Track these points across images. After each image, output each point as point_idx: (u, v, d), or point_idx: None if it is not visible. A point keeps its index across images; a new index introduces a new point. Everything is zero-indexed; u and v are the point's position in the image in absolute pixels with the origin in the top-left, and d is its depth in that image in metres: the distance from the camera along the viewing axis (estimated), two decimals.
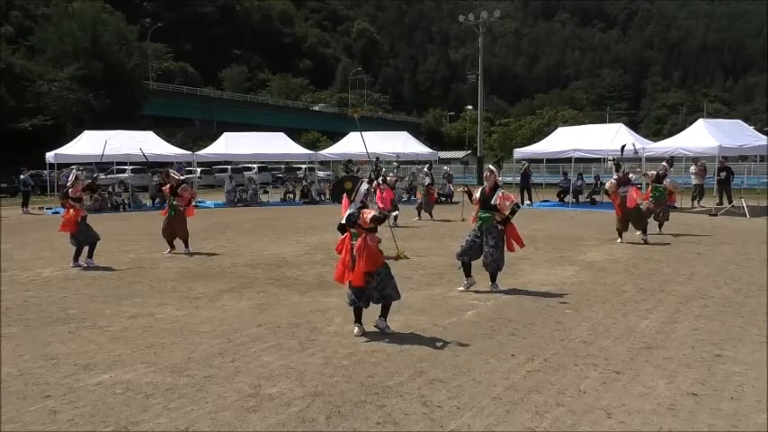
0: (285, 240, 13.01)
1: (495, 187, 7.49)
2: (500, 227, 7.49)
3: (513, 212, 7.51)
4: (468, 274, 7.72)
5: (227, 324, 6.25)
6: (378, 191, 15.94)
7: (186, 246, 11.22)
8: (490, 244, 7.48)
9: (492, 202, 7.40)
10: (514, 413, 3.98)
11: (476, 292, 7.62)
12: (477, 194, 7.65)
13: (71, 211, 9.79)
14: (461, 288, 7.70)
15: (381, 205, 14.37)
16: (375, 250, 5.66)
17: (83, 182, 10.36)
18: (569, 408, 4.05)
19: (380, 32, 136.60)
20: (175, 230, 11.16)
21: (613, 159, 13.40)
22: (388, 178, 16.58)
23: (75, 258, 9.81)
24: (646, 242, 11.64)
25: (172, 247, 11.22)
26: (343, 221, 5.72)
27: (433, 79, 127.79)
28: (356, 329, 5.77)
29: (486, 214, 7.49)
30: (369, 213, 5.67)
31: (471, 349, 5.31)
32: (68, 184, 10.29)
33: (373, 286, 5.65)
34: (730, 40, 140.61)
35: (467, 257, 7.64)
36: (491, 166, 7.80)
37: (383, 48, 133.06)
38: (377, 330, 5.79)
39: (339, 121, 75.50)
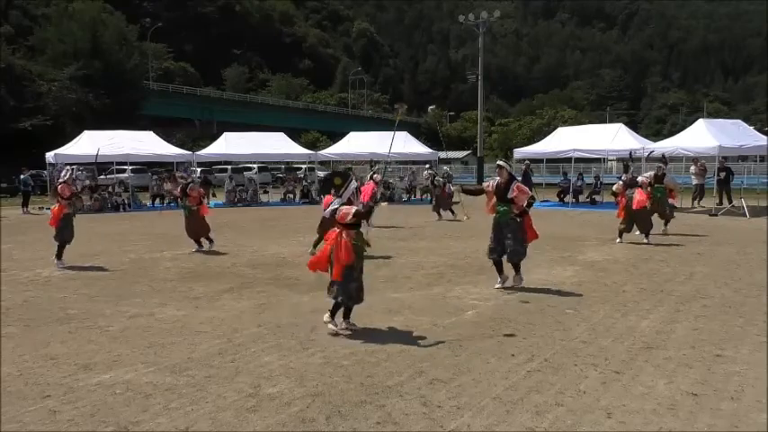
0: (285, 240, 13.01)
1: (510, 180, 7.61)
2: (518, 219, 7.59)
3: (529, 205, 7.65)
4: (500, 271, 7.79)
5: (227, 324, 6.25)
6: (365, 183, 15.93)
7: (210, 241, 11.45)
8: (508, 236, 7.59)
9: (509, 195, 7.52)
10: (514, 413, 3.98)
11: (476, 292, 7.63)
12: (490, 187, 7.68)
13: (57, 206, 9.88)
14: (497, 285, 7.73)
15: (363, 198, 14.39)
16: (350, 244, 5.69)
17: (83, 182, 10.41)
18: (569, 408, 4.06)
19: (380, 32, 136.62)
20: (192, 229, 11.40)
21: (626, 160, 13.52)
22: (376, 176, 16.61)
23: (59, 256, 9.81)
24: (648, 243, 11.64)
25: (200, 245, 11.37)
26: (326, 215, 5.81)
27: (433, 79, 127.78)
28: (330, 323, 5.82)
29: (504, 207, 7.59)
30: (351, 209, 5.72)
31: (471, 349, 5.31)
32: (60, 180, 10.35)
33: (356, 285, 5.74)
34: (730, 40, 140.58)
35: (496, 255, 7.71)
36: (501, 162, 7.90)
37: (383, 48, 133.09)
38: (376, 330, 5.78)
39: (339, 121, 75.55)
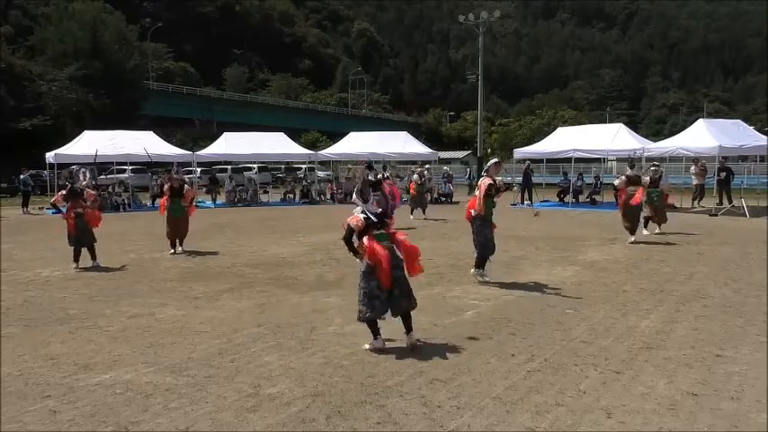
0: (285, 240, 13.01)
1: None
2: None
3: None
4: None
5: (227, 324, 6.25)
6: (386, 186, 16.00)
7: (181, 244, 11.33)
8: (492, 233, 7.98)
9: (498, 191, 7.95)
10: (514, 413, 3.98)
11: (476, 292, 7.63)
12: (484, 186, 7.82)
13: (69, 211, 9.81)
14: (488, 279, 8.02)
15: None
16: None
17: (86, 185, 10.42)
18: (569, 408, 4.06)
19: (380, 32, 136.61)
20: (180, 230, 11.27)
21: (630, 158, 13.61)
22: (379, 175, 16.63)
23: (75, 259, 9.77)
24: (635, 242, 11.66)
25: (174, 247, 11.25)
26: (375, 220, 5.35)
27: (433, 79, 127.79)
28: (377, 343, 5.28)
29: (493, 203, 7.91)
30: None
31: (471, 349, 5.31)
32: (84, 183, 10.37)
33: (402, 291, 5.30)
34: (730, 40, 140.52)
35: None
36: (499, 160, 8.31)
37: (383, 48, 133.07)
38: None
39: (339, 121, 75.59)
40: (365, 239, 5.31)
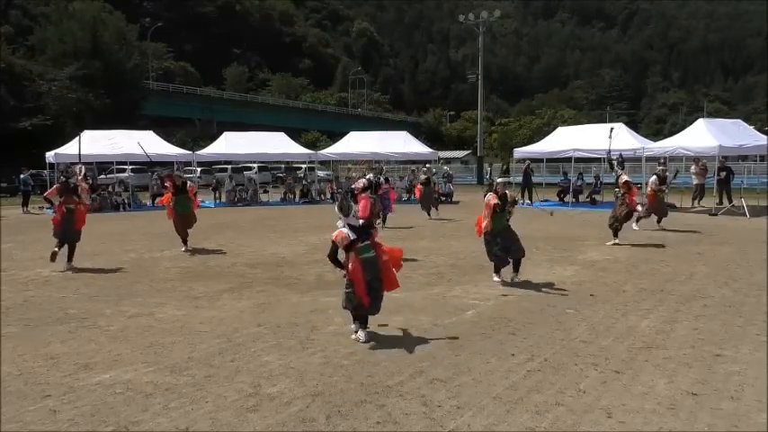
0: (285, 240, 13.00)
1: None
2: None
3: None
4: (499, 270, 8.21)
5: (227, 324, 6.25)
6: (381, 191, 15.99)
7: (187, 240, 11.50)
8: (515, 239, 8.08)
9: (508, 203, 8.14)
10: (514, 413, 3.98)
11: (476, 292, 7.63)
12: (496, 200, 7.89)
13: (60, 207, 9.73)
14: (499, 279, 8.10)
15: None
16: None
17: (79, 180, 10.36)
18: (569, 407, 4.06)
19: (380, 32, 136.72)
20: (190, 224, 11.44)
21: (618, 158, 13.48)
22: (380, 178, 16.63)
23: (69, 259, 9.65)
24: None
25: (186, 243, 11.41)
26: (352, 237, 5.46)
27: (433, 79, 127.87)
28: (355, 326, 5.62)
29: (504, 216, 8.05)
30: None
31: (471, 349, 5.31)
32: (79, 179, 10.30)
33: (377, 296, 5.56)
34: (730, 40, 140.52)
35: (504, 260, 8.13)
36: (505, 179, 8.71)
37: (383, 48, 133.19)
38: (376, 330, 5.78)
39: (339, 121, 75.60)
40: (350, 260, 5.49)
